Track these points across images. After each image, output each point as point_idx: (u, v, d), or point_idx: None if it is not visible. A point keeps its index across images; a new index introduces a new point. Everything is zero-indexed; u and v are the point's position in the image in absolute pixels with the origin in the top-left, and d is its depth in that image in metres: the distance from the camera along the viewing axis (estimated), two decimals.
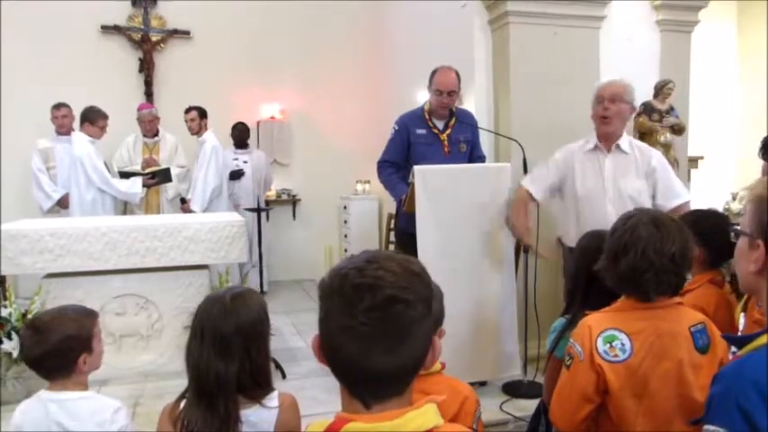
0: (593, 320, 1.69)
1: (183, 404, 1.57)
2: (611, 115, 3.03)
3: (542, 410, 2.16)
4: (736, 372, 1.05)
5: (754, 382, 0.99)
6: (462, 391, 1.57)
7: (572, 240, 2.82)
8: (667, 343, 1.63)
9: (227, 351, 1.52)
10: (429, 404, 0.95)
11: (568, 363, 1.69)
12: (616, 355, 1.61)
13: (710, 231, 2.14)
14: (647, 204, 2.95)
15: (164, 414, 1.61)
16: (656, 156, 3.16)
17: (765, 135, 2.86)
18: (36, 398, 1.74)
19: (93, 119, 4.85)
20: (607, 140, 3.11)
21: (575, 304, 2.07)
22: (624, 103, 3.05)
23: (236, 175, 5.74)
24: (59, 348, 1.69)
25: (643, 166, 3.07)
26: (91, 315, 1.83)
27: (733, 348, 1.77)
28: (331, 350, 0.93)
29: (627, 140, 3.16)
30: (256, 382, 1.57)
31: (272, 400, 1.59)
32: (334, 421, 0.92)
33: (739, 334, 2.10)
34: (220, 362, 1.51)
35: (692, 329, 1.66)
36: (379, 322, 0.87)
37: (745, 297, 2.05)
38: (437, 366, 1.57)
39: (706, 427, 1.03)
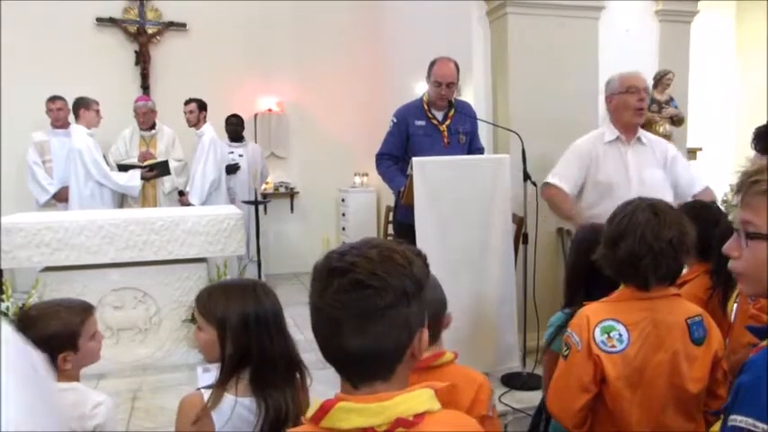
0: (591, 311, 1.69)
1: (207, 396, 1.51)
2: (645, 106, 3.00)
3: (544, 406, 2.16)
4: (767, 361, 1.00)
5: None
6: (477, 379, 1.59)
7: None
8: (663, 334, 1.63)
9: (280, 328, 1.61)
10: (423, 389, 0.97)
11: (566, 353, 1.69)
12: (613, 346, 1.62)
13: (700, 221, 2.15)
14: (670, 193, 2.93)
15: (191, 410, 1.50)
16: (671, 146, 3.18)
17: (757, 125, 2.83)
18: None
19: (88, 104, 4.83)
20: (632, 132, 3.06)
21: (577, 299, 2.03)
22: (647, 93, 3.03)
23: (231, 169, 5.67)
24: (38, 346, 1.66)
25: (661, 158, 3.06)
26: (83, 312, 1.77)
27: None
28: (313, 330, 0.99)
29: (642, 132, 3.14)
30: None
31: None
32: (328, 400, 0.96)
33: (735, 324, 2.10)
34: (282, 339, 1.59)
35: (689, 321, 1.67)
36: (344, 305, 0.93)
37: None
38: (449, 356, 1.60)
39: (733, 417, 0.98)
